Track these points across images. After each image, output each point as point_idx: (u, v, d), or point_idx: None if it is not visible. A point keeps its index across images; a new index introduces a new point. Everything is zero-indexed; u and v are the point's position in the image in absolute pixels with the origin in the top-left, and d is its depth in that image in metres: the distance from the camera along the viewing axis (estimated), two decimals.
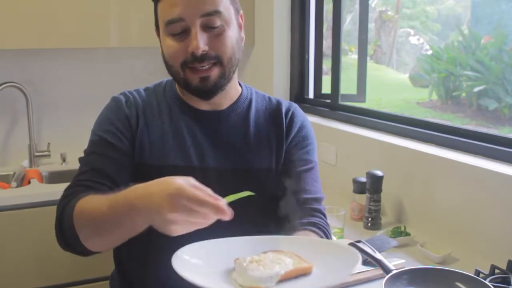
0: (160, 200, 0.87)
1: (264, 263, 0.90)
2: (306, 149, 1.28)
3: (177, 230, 0.89)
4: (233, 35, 1.15)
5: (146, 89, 1.28)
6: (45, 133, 2.65)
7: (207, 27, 1.12)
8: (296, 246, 1.00)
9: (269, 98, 1.32)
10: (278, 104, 1.30)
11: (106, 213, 0.98)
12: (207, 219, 0.88)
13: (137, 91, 1.26)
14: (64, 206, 1.09)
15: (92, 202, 1.03)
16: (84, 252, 1.08)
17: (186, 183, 0.89)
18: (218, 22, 1.12)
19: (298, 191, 1.23)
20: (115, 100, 1.24)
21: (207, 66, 1.13)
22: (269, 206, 1.19)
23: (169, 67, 1.18)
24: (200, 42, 1.10)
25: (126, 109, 1.21)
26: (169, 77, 1.29)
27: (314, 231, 1.18)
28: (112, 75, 2.73)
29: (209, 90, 1.16)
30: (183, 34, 1.12)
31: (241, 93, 1.28)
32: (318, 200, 1.25)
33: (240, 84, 1.30)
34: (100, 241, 1.05)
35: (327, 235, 1.21)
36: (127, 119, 1.20)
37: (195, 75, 1.14)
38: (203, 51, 1.10)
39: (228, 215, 0.87)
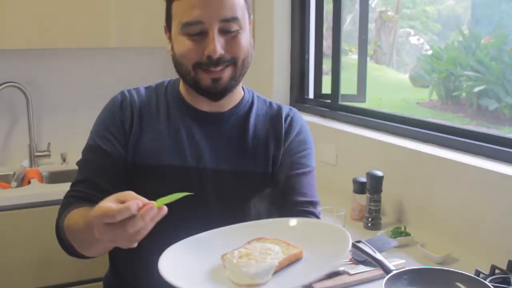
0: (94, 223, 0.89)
1: (254, 256, 0.88)
2: (303, 153, 1.27)
3: (122, 245, 0.89)
4: (246, 39, 1.17)
5: (147, 88, 1.28)
6: (45, 133, 2.65)
7: (224, 31, 1.13)
8: (277, 230, 0.98)
9: (270, 103, 1.32)
10: (279, 109, 1.30)
11: (84, 230, 1.00)
12: (127, 227, 0.84)
13: (137, 90, 1.27)
14: (59, 217, 1.15)
15: (74, 219, 1.07)
16: (83, 257, 1.13)
17: (108, 200, 0.87)
18: (235, 27, 1.13)
19: (294, 194, 1.23)
20: (112, 101, 1.25)
21: (220, 68, 1.14)
22: (264, 209, 1.19)
23: (179, 65, 1.17)
24: (218, 46, 1.11)
25: (121, 111, 1.22)
26: (171, 78, 1.29)
27: None
28: (112, 75, 2.73)
29: (220, 92, 1.17)
30: (199, 35, 1.12)
31: (243, 96, 1.28)
32: (313, 203, 1.25)
33: (242, 88, 1.30)
34: (91, 251, 1.09)
35: None
36: (121, 123, 1.21)
37: (207, 76, 1.14)
38: (219, 55, 1.11)
39: (133, 208, 0.83)
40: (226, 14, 1.11)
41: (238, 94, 1.26)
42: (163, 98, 1.25)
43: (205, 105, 1.23)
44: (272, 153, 1.25)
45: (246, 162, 1.23)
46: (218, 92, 1.17)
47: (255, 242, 0.95)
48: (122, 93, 1.26)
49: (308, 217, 1.21)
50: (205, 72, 1.14)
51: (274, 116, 1.28)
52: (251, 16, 1.21)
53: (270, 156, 1.25)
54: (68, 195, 1.19)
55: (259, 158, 1.24)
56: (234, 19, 1.12)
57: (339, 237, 0.92)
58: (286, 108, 1.31)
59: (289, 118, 1.29)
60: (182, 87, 1.25)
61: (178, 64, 1.17)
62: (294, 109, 1.33)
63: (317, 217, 1.24)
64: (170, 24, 1.18)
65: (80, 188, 1.18)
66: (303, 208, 1.22)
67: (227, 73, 1.15)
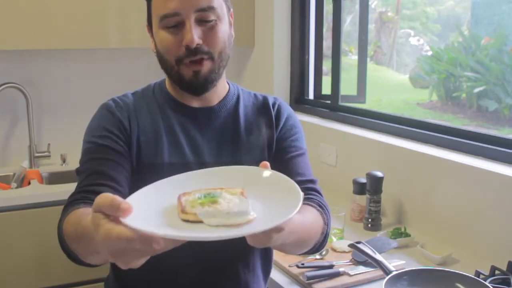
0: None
1: (219, 202, 0.81)
2: (295, 137, 1.31)
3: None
4: (224, 30, 1.19)
5: (134, 93, 1.29)
6: (45, 134, 2.65)
7: (201, 21, 1.15)
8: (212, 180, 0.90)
9: (255, 94, 1.36)
10: (265, 99, 1.34)
11: (78, 238, 0.95)
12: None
13: (125, 95, 1.28)
14: (60, 220, 1.07)
15: (72, 224, 0.99)
16: (85, 264, 1.04)
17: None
18: (211, 17, 1.16)
19: (292, 175, 1.23)
20: (104, 106, 1.24)
21: (199, 57, 1.15)
22: None
23: (163, 62, 1.20)
24: (194, 35, 1.13)
25: (118, 112, 1.22)
26: (157, 80, 1.31)
27: (310, 205, 1.18)
28: (112, 76, 2.73)
29: (201, 85, 1.19)
30: (177, 27, 1.15)
31: (228, 90, 1.31)
32: (312, 181, 1.27)
33: (227, 82, 1.33)
34: (91, 259, 1.00)
35: (324, 210, 1.20)
36: (120, 123, 1.20)
37: (188, 69, 1.17)
38: (197, 44, 1.14)
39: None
40: (201, 4, 1.14)
41: (222, 88, 1.29)
42: (153, 100, 1.26)
43: (193, 101, 1.25)
44: (266, 141, 1.28)
45: (242, 153, 1.25)
46: (200, 85, 1.18)
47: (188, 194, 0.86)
48: (113, 99, 1.26)
49: (310, 194, 1.21)
50: (187, 66, 1.16)
51: (261, 106, 1.32)
52: (231, 9, 1.24)
53: (264, 144, 1.28)
54: (74, 192, 1.12)
55: (254, 147, 1.27)
56: (211, 9, 1.15)
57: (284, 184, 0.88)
58: (271, 98, 1.35)
59: (276, 106, 1.32)
60: (169, 86, 1.27)
61: (162, 61, 1.20)
62: (279, 98, 1.37)
63: (319, 192, 1.25)
64: (152, 22, 1.21)
65: (86, 182, 1.12)
66: (303, 186, 1.20)
67: (206, 67, 1.17)
